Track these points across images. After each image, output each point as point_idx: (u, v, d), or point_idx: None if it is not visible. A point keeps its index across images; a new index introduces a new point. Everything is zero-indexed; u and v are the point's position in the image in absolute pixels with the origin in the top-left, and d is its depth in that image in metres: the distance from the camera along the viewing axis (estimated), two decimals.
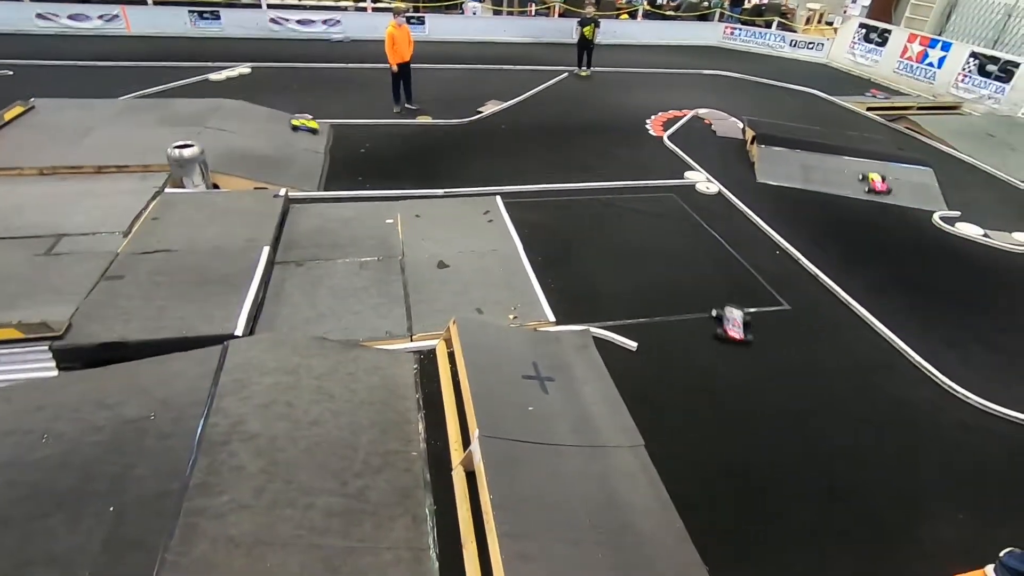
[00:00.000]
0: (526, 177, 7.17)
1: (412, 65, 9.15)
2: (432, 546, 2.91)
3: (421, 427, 3.62)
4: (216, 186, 6.14)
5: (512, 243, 5.63)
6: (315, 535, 2.76)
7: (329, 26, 13.76)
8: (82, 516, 2.80)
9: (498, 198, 6.46)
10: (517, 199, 6.58)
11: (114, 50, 11.37)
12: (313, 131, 7.87)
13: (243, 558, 2.60)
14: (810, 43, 15.38)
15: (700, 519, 3.17)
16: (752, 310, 5.01)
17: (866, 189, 7.55)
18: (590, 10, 12.11)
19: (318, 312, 4.46)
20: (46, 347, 3.75)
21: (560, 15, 15.35)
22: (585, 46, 11.88)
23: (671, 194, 7.19)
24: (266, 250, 4.91)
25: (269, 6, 13.53)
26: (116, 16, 12.64)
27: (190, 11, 13.02)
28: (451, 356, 4.07)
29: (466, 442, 3.42)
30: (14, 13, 12.09)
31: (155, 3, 13.04)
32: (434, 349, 4.27)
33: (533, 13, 15.56)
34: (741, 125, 9.32)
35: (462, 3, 15.28)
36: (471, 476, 3.28)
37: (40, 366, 3.78)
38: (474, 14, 15.17)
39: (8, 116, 6.77)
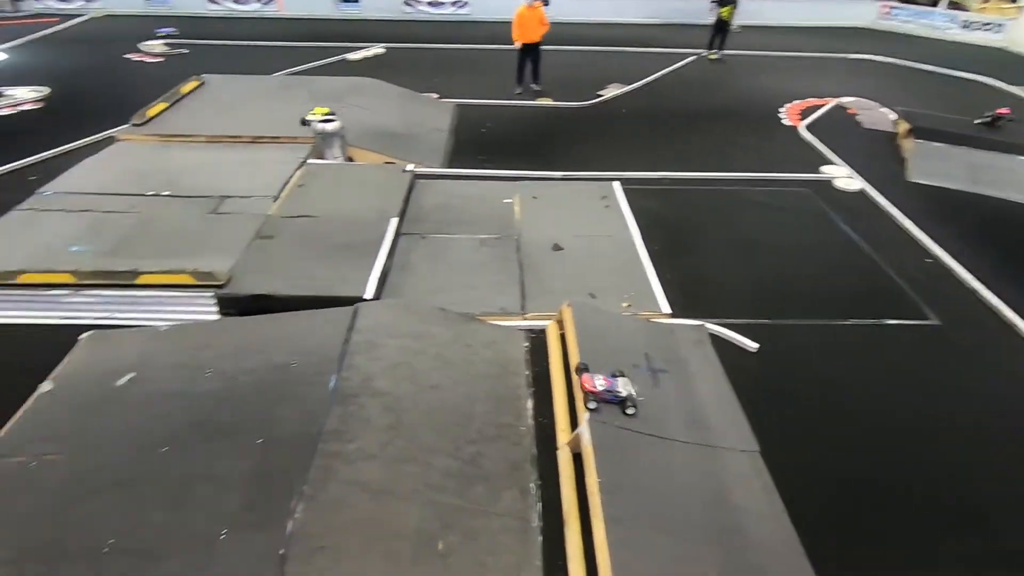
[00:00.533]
0: (646, 163, 6.97)
1: (543, 47, 9.16)
2: (537, 519, 2.99)
3: (530, 404, 3.71)
4: (351, 159, 6.60)
5: (628, 230, 5.53)
6: (433, 491, 2.94)
7: (458, 7, 14.14)
8: (236, 445, 3.20)
9: (616, 184, 6.36)
10: (636, 186, 6.43)
11: (270, 31, 12.50)
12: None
13: (369, 503, 2.84)
14: (987, 24, 13.38)
15: (814, 534, 2.98)
16: (892, 322, 4.55)
17: None
18: None
19: (439, 284, 4.69)
20: (211, 294, 4.29)
21: None
22: (721, 28, 11.20)
23: (805, 189, 6.66)
24: (394, 221, 5.21)
25: None
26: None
27: None
28: (562, 338, 4.11)
29: (573, 424, 3.46)
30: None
31: None
32: (545, 329, 4.33)
33: None
34: (893, 116, 8.38)
35: None
36: (577, 458, 3.32)
37: (205, 310, 4.32)
38: None
39: (184, 90, 7.71)
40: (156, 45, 11.03)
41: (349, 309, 4.06)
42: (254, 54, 10.94)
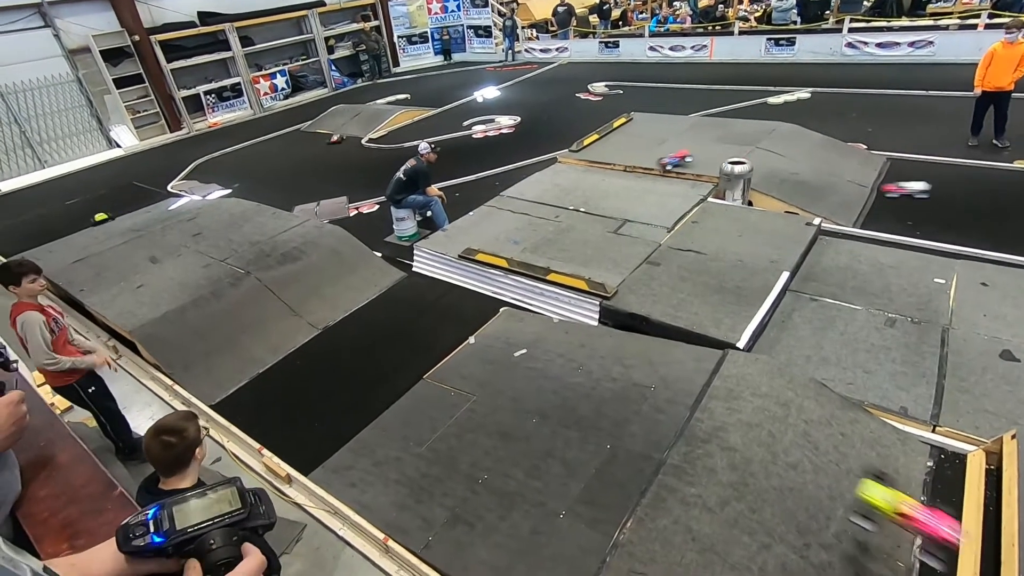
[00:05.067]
0: None
1: (1016, 95, 7.06)
2: None
3: (917, 540, 2.90)
4: (750, 203, 6.42)
5: None
6: None
7: (916, 48, 12.09)
8: (588, 440, 3.52)
9: None
10: None
11: (698, 74, 13.25)
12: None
13: (694, 554, 2.73)
14: None
15: None
16: None
17: None
18: None
19: (822, 355, 4.13)
20: (597, 303, 4.83)
21: None
22: None
23: None
24: (785, 275, 4.84)
25: (850, 30, 12.91)
26: (704, 46, 14.66)
27: (768, 38, 13.80)
28: (991, 475, 3.08)
29: None
30: (636, 47, 15.66)
31: (739, 33, 14.43)
32: (963, 455, 3.32)
33: None
34: None
35: None
36: None
37: (588, 314, 4.91)
38: None
39: (616, 124, 8.89)
40: (599, 86, 13.05)
41: (718, 353, 3.97)
42: (680, 95, 11.76)
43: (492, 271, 5.47)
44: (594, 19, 17.93)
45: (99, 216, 7.61)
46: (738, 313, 4.42)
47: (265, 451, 3.75)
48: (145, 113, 13.44)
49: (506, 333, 4.75)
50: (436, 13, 17.86)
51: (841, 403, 3.61)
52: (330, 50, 16.32)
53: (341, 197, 8.29)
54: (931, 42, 12.01)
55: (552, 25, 17.49)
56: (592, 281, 4.93)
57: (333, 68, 16.46)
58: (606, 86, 13.06)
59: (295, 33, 15.92)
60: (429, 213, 6.78)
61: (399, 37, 17.92)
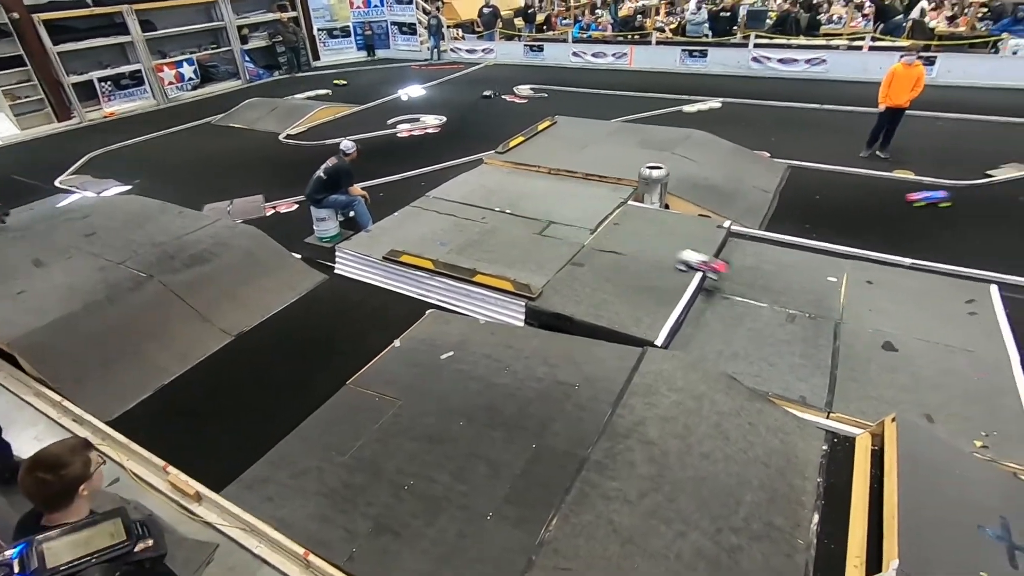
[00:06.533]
0: None
1: (908, 112, 7.92)
2: None
3: (816, 518, 3.16)
4: (667, 206, 6.73)
5: (1003, 349, 4.26)
6: (680, 565, 2.75)
7: (812, 65, 13.18)
8: (514, 440, 3.55)
9: (993, 288, 4.99)
10: None
11: (619, 81, 13.71)
12: None
13: (616, 546, 2.82)
14: None
15: None
16: None
17: None
18: None
19: (732, 350, 4.40)
20: (523, 303, 4.88)
21: None
22: None
23: None
24: (699, 275, 5.11)
25: (755, 45, 13.86)
26: (624, 54, 15.21)
27: (683, 50, 14.54)
28: (875, 456, 3.40)
29: (872, 565, 2.81)
30: (560, 51, 15.98)
31: (657, 43, 15.09)
32: (852, 438, 3.65)
33: None
34: None
35: (998, 40, 12.23)
36: None
37: (514, 315, 4.95)
38: (1014, 54, 11.93)
39: (540, 127, 9.02)
40: (525, 89, 13.21)
41: (638, 350, 4.13)
42: (602, 101, 12.12)
43: (418, 273, 5.39)
44: (519, 22, 18.13)
45: None
46: (656, 312, 4.62)
47: (171, 468, 3.49)
48: (27, 100, 12.11)
49: (432, 335, 4.69)
50: (359, 7, 17.37)
51: (749, 395, 3.87)
52: (244, 40, 15.44)
53: (257, 195, 7.88)
54: (824, 60, 13.13)
55: (478, 26, 17.51)
56: (518, 282, 4.98)
57: (247, 59, 15.60)
58: (531, 89, 13.24)
59: (204, 20, 14.91)
60: (352, 213, 6.58)
61: (319, 30, 17.26)
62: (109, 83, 13.18)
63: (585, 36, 16.49)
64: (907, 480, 3.04)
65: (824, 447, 3.61)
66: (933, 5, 14.17)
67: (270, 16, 15.88)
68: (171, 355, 4.67)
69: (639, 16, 16.61)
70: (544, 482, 3.22)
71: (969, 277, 5.23)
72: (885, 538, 2.83)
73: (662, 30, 15.73)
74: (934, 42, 12.68)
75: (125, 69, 13.40)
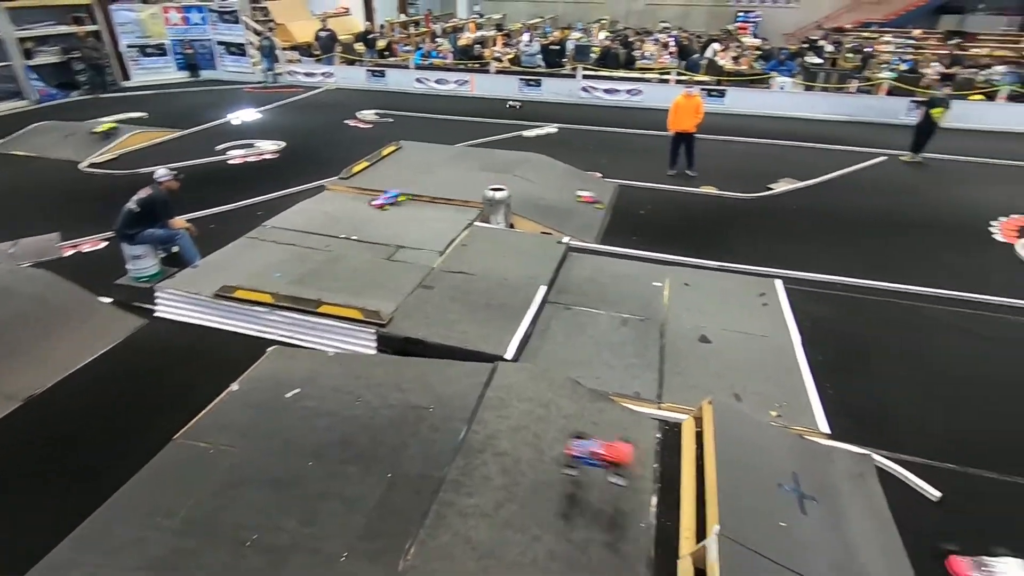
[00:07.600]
0: (814, 265, 6.45)
1: (698, 136, 9.27)
2: None
3: (654, 501, 3.48)
4: (512, 226, 7.06)
5: (787, 334, 5.10)
6: (535, 570, 2.86)
7: (631, 95, 14.79)
8: (368, 472, 3.43)
9: (778, 282, 5.96)
10: (802, 287, 5.97)
11: (462, 107, 14.12)
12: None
13: (473, 563, 2.84)
14: None
15: None
16: None
17: None
18: (945, 90, 10.47)
19: (576, 356, 4.71)
20: (374, 331, 4.77)
21: (888, 93, 13.63)
22: (928, 130, 10.21)
23: (1022, 318, 5.63)
24: (543, 289, 5.41)
25: (584, 76, 15.20)
26: (466, 81, 15.76)
27: (520, 78, 15.46)
28: (698, 437, 3.85)
29: (700, 534, 3.17)
30: (403, 77, 16.08)
31: (496, 72, 15.86)
32: (680, 424, 4.10)
33: (855, 90, 14.13)
34: None
35: (769, 78, 14.81)
36: (700, 573, 3.01)
37: (367, 344, 4.81)
38: (781, 89, 14.52)
39: (385, 152, 8.97)
40: (368, 114, 13.04)
41: (489, 366, 4.24)
42: (446, 126, 12.39)
43: (256, 308, 5.01)
44: (360, 47, 17.89)
45: None
46: (505, 327, 4.80)
47: None
48: None
49: (276, 374, 4.38)
50: (176, 24, 15.90)
51: (590, 396, 4.16)
52: (28, 54, 13.28)
53: (51, 234, 6.76)
54: (641, 91, 14.80)
55: (315, 49, 16.95)
56: (367, 309, 4.86)
57: (34, 77, 13.42)
58: (376, 114, 13.10)
59: None
60: (176, 249, 5.93)
61: (130, 46, 15.46)
62: None
63: (427, 63, 16.77)
64: (722, 454, 3.48)
65: (658, 435, 4.00)
66: (723, 47, 16.72)
67: (63, 28, 13.87)
68: None
69: (477, 46, 17.31)
70: (400, 510, 3.15)
71: (759, 274, 6.19)
72: (708, 508, 3.20)
73: (499, 60, 16.54)
74: (724, 77, 14.95)
75: None
